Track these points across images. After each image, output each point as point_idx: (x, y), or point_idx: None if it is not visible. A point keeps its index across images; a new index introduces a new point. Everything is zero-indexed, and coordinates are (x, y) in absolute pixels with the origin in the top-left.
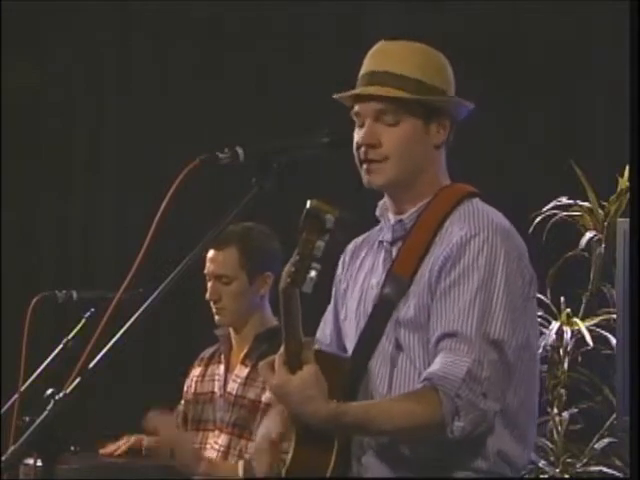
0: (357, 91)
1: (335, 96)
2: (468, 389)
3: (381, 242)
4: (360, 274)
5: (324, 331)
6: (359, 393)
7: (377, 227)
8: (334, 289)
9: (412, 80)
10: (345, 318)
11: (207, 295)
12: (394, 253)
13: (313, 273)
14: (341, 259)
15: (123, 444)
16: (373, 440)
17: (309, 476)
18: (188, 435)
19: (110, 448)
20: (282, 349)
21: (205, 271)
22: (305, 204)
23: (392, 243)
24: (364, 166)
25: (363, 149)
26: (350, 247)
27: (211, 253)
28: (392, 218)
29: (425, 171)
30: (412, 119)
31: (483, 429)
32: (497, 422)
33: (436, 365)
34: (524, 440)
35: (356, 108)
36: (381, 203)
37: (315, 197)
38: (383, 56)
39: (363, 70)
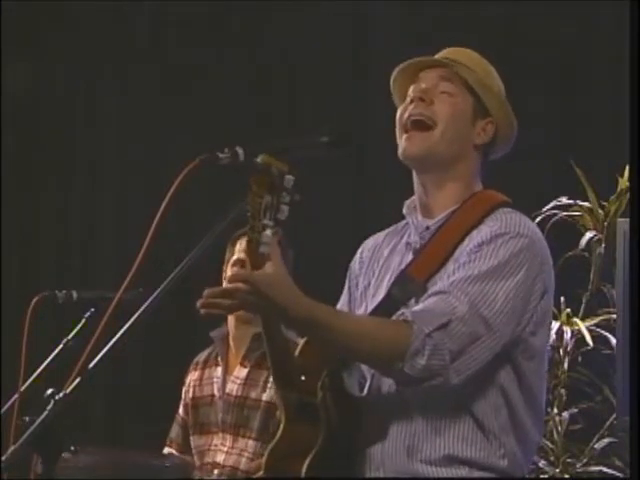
0: (425, 58)
1: (403, 65)
2: (441, 337)
3: (409, 244)
4: (385, 274)
5: None
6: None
7: (401, 223)
8: (348, 284)
9: (478, 76)
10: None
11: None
12: None
13: (268, 232)
14: (358, 254)
15: None
16: (384, 435)
17: (296, 453)
18: None
19: None
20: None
21: (236, 257)
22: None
23: (420, 249)
24: (406, 135)
25: (412, 105)
26: (369, 244)
27: None
28: (421, 221)
29: (461, 164)
30: (466, 100)
31: (437, 384)
32: (505, 422)
33: (419, 306)
34: (528, 445)
35: (419, 76)
36: (408, 202)
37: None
38: (453, 52)
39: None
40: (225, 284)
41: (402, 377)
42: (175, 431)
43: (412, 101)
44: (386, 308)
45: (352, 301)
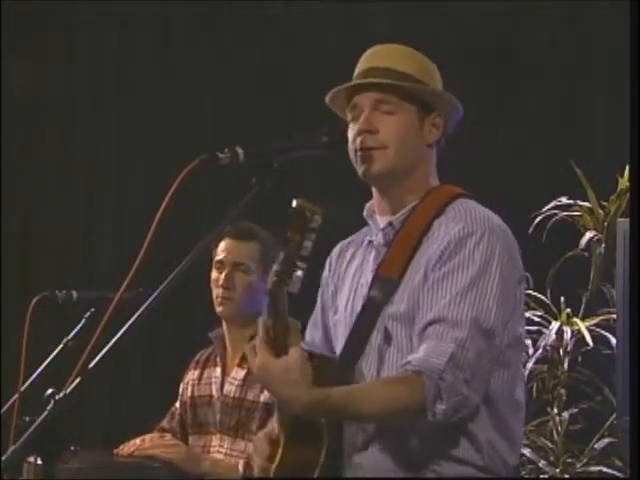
0: (358, 81)
1: (334, 90)
2: (451, 373)
3: (371, 242)
4: (348, 275)
5: (312, 335)
6: None
7: (364, 229)
8: (320, 292)
9: (412, 77)
10: (336, 319)
11: (221, 282)
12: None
13: (299, 272)
14: (327, 262)
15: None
16: (365, 436)
17: (298, 474)
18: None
19: (127, 448)
20: (263, 331)
21: (219, 258)
22: (292, 204)
23: (385, 245)
24: (359, 154)
25: (360, 138)
26: (336, 250)
27: (231, 243)
28: (381, 220)
29: (417, 168)
30: (408, 111)
31: (464, 414)
32: (485, 417)
33: (420, 351)
34: (511, 437)
35: (354, 100)
36: (368, 205)
37: (303, 196)
38: (382, 55)
39: (360, 68)
40: (213, 286)
41: (431, 423)
42: (170, 424)
43: (359, 133)
44: (369, 313)
45: (325, 307)
